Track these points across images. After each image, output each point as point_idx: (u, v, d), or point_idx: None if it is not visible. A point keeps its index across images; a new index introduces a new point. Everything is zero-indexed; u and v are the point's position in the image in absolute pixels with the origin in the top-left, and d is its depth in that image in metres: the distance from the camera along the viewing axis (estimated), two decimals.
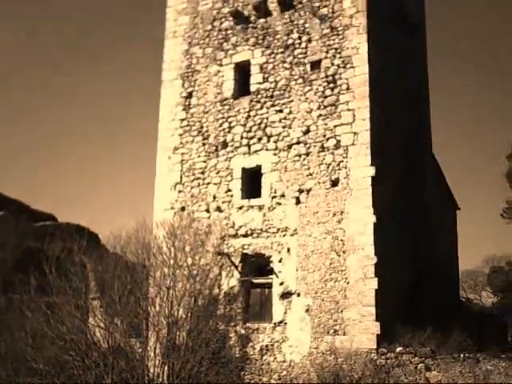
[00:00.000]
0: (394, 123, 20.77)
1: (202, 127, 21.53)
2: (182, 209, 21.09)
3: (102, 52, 70.48)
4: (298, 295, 18.54)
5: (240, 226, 19.95)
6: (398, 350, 16.85)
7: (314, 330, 18.10)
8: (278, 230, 19.31)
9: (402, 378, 16.53)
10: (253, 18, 21.53)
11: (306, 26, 20.47)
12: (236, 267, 19.58)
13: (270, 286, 19.28)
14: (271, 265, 19.24)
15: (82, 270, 16.36)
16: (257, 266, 19.61)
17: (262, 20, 21.35)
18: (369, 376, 16.75)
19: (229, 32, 21.94)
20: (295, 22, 20.71)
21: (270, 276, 19.27)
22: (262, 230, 19.58)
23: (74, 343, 14.76)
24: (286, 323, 18.62)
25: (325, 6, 20.28)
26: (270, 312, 19.06)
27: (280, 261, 19.10)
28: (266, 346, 18.70)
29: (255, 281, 19.63)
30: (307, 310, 18.31)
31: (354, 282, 17.74)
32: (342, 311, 17.79)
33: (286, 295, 18.77)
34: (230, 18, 21.91)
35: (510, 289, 37.57)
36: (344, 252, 18.12)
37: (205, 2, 22.79)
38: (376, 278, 17.47)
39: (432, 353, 16.46)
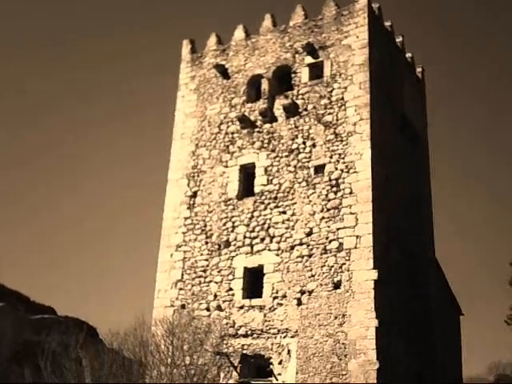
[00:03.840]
0: (396, 227, 20.95)
1: (205, 226, 21.74)
2: (183, 306, 20.92)
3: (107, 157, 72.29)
4: None
5: (240, 326, 19.69)
6: None
7: None
8: (279, 331, 19.05)
9: None
10: (259, 122, 22.23)
11: (311, 131, 21.12)
12: (235, 368, 19.16)
13: None
14: (271, 366, 18.84)
15: (77, 366, 16.10)
16: (256, 367, 19.21)
17: (267, 125, 22.04)
18: None
19: (235, 135, 22.59)
20: (300, 128, 21.37)
21: (269, 378, 18.82)
22: (262, 330, 19.32)
23: None
24: None
25: (329, 114, 21.00)
26: None
27: (280, 363, 18.72)
28: None
29: (254, 382, 19.15)
30: None
31: None
32: None
33: None
34: (237, 123, 22.61)
35: None
36: (345, 356, 17.79)
37: (213, 106, 23.64)
38: None
39: None
